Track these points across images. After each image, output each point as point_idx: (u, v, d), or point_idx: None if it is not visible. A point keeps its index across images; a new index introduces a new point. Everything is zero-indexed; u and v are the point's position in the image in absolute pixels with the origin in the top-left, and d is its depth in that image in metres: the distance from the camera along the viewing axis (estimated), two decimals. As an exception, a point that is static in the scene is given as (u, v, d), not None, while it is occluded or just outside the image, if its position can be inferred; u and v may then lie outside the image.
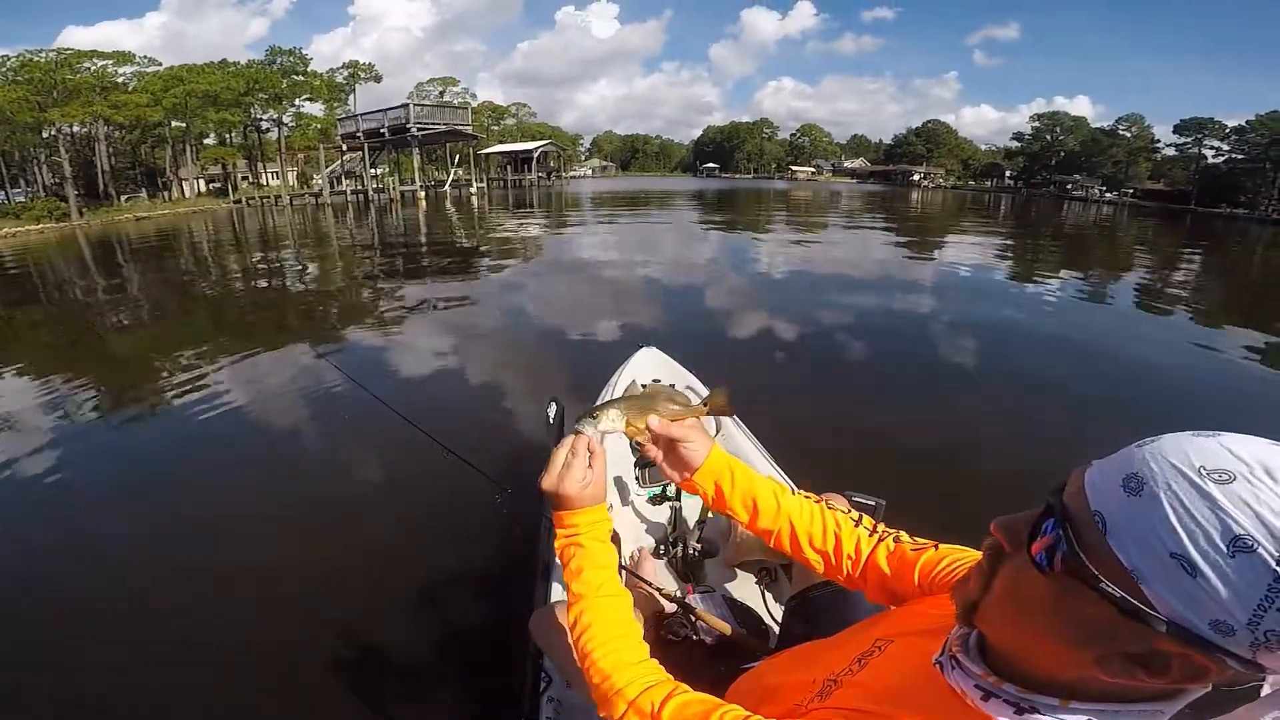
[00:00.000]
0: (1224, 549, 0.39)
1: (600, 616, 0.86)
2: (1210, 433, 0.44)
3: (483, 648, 2.25)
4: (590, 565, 0.89)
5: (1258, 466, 0.40)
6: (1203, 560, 0.40)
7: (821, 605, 1.28)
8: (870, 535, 0.92)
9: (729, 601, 1.59)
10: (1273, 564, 0.38)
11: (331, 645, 2.29)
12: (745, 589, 1.82)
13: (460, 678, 2.19)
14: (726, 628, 1.40)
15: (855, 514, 0.96)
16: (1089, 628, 0.46)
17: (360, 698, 2.10)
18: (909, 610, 0.82)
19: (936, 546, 0.86)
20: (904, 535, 0.91)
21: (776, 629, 1.53)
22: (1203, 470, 0.41)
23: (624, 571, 1.75)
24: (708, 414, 0.99)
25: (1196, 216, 38.41)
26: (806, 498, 0.98)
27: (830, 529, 0.94)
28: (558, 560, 0.92)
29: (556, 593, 1.74)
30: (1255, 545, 0.38)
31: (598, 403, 0.96)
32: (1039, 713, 0.50)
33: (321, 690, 2.12)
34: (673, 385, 2.67)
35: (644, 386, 0.93)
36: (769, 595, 1.76)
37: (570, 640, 0.88)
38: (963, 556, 0.81)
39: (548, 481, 0.89)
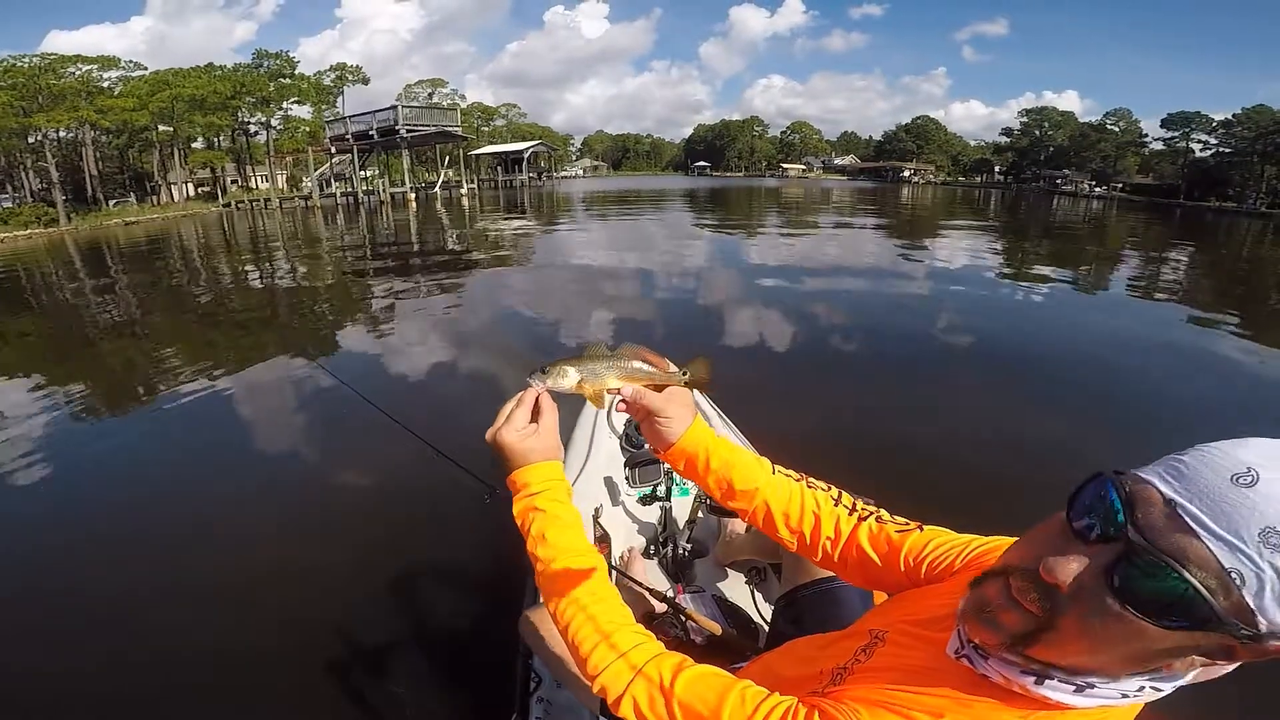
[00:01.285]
0: None
1: (575, 580, 0.79)
2: None
3: (472, 648, 2.25)
4: (552, 527, 0.81)
5: None
6: None
7: (810, 604, 1.28)
8: (850, 514, 0.88)
9: (719, 601, 1.60)
10: None
11: (320, 646, 2.28)
12: (735, 589, 1.82)
13: (450, 678, 2.18)
14: (717, 627, 1.40)
15: (835, 491, 0.92)
16: (1175, 646, 0.48)
17: (350, 699, 2.09)
18: (898, 602, 0.81)
19: (921, 528, 0.83)
20: (884, 514, 0.88)
21: (766, 628, 1.53)
22: None
23: (614, 571, 1.75)
24: (684, 386, 0.92)
25: (1186, 210, 38.69)
26: (787, 476, 0.93)
27: (809, 509, 0.89)
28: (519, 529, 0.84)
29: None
30: None
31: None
32: (1096, 687, 0.52)
33: (311, 691, 2.12)
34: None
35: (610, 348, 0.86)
36: (759, 595, 1.76)
37: (552, 625, 0.82)
38: (948, 540, 0.79)
39: (489, 432, 0.85)
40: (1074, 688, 0.53)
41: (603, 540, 1.85)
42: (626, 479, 2.23)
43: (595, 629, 0.75)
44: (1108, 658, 0.51)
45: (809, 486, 0.92)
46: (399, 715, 2.06)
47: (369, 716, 2.07)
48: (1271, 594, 0.43)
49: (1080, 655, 0.52)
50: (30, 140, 32.26)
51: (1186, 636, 0.46)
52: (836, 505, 0.89)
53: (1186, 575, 0.45)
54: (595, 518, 1.94)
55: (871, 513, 0.88)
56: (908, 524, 0.85)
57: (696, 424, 0.92)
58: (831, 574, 1.28)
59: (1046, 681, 0.54)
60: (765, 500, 0.90)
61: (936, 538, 0.81)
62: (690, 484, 2.19)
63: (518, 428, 0.84)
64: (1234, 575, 0.44)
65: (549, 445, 0.86)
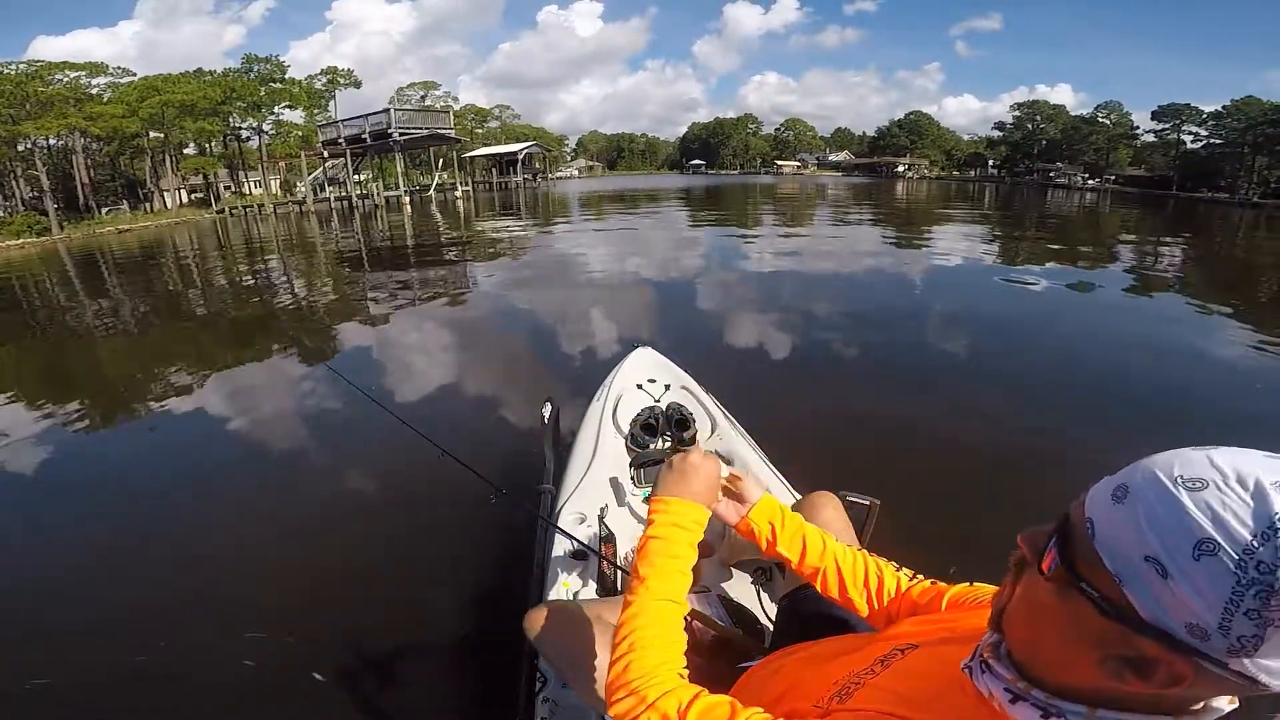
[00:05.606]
0: (1189, 553, 0.41)
1: (645, 607, 0.88)
2: (1212, 447, 0.46)
3: (478, 648, 2.24)
4: (663, 554, 0.92)
5: (1231, 475, 0.43)
6: (1171, 563, 0.42)
7: (813, 604, 1.27)
8: (910, 579, 0.97)
9: (724, 601, 1.59)
10: (1232, 567, 0.40)
11: (325, 646, 2.28)
12: (740, 588, 1.82)
13: (455, 678, 2.18)
14: (722, 628, 1.39)
15: (894, 564, 1.02)
16: (1082, 629, 0.48)
17: (355, 698, 2.09)
18: (931, 619, 0.84)
19: (971, 584, 0.89)
20: (941, 582, 0.94)
21: (772, 628, 1.53)
22: (1179, 479, 0.44)
23: (619, 571, 1.75)
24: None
25: (1179, 202, 38.75)
26: (849, 547, 1.04)
27: (873, 572, 0.99)
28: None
29: (551, 591, 1.74)
30: (1217, 549, 0.40)
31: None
32: (1065, 718, 0.51)
33: (314, 691, 2.12)
34: (667, 386, 2.68)
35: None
36: (764, 595, 1.76)
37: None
38: (991, 591, 0.82)
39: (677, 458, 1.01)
40: (1042, 713, 0.52)
41: (608, 540, 1.84)
42: (632, 479, 2.23)
43: (636, 657, 0.81)
44: (1036, 633, 0.54)
45: (869, 555, 1.03)
46: (403, 715, 2.06)
47: (373, 716, 2.06)
48: (1111, 540, 0.46)
49: (1020, 621, 0.56)
50: (20, 148, 32.03)
51: (1084, 609, 0.48)
52: (898, 571, 1.00)
53: (1064, 530, 0.51)
54: (601, 517, 1.94)
55: (926, 580, 0.97)
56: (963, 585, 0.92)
57: (766, 495, 1.08)
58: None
59: (1019, 702, 0.54)
60: (835, 559, 1.02)
61: (982, 588, 0.87)
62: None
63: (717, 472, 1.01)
64: (1088, 524, 0.48)
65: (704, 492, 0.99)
